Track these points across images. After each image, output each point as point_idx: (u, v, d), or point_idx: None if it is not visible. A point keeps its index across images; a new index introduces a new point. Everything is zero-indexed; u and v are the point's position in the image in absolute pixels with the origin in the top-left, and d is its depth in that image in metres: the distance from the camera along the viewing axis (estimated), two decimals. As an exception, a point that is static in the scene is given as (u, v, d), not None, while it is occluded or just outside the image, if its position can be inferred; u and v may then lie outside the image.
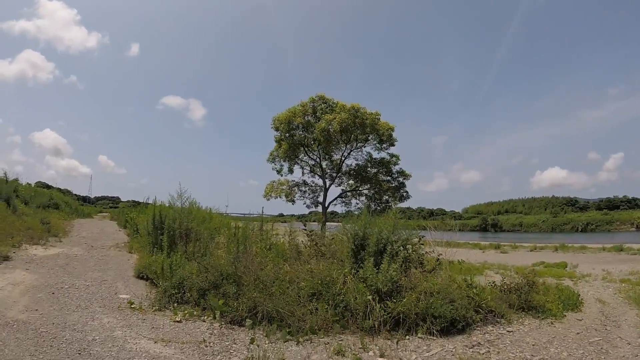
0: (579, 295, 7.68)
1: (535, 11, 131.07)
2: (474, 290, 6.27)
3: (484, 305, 5.98)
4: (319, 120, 24.23)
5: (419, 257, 6.81)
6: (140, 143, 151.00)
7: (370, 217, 6.68)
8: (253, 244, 7.05)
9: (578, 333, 5.58)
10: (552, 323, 6.01)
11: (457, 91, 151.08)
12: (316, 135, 23.84)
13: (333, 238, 7.29)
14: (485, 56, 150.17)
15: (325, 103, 25.01)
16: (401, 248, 6.30)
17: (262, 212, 8.29)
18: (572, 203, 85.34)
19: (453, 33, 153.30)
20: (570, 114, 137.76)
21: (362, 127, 23.85)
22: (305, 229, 7.32)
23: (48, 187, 53.05)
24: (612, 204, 78.07)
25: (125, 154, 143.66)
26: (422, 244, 7.21)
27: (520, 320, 6.02)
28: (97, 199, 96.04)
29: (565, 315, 6.45)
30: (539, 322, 6.02)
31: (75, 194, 66.42)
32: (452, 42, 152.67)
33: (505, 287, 6.95)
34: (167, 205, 9.64)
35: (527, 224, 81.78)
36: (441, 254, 7.40)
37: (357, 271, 5.75)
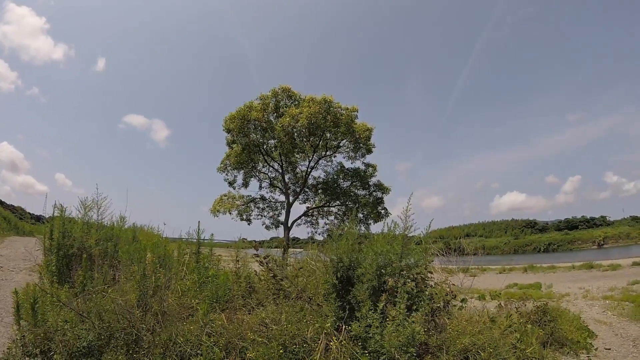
0: (580, 317, 7.04)
1: (496, 39, 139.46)
2: (517, 335, 4.62)
3: (529, 354, 4.48)
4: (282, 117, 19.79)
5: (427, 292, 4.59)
6: (99, 162, 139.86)
7: (358, 236, 4.37)
8: (176, 278, 4.45)
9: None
10: (590, 360, 5.17)
11: (420, 119, 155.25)
12: (277, 133, 19.30)
13: (301, 267, 4.80)
14: (447, 84, 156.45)
15: (291, 98, 20.77)
16: (409, 280, 4.05)
17: (198, 228, 5.67)
18: (531, 225, 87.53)
19: (415, 62, 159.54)
20: (531, 139, 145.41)
21: (334, 125, 19.62)
22: (257, 254, 4.68)
23: (1, 203, 47.82)
24: (570, 225, 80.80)
25: (83, 173, 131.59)
26: (430, 272, 5.07)
27: (556, 362, 5.00)
28: (52, 219, 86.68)
29: (595, 347, 5.75)
30: (575, 360, 5.15)
31: (29, 213, 60.54)
32: (413, 72, 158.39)
33: (524, 319, 5.76)
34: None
35: (489, 246, 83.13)
36: (453, 284, 5.42)
37: (348, 324, 3.33)
